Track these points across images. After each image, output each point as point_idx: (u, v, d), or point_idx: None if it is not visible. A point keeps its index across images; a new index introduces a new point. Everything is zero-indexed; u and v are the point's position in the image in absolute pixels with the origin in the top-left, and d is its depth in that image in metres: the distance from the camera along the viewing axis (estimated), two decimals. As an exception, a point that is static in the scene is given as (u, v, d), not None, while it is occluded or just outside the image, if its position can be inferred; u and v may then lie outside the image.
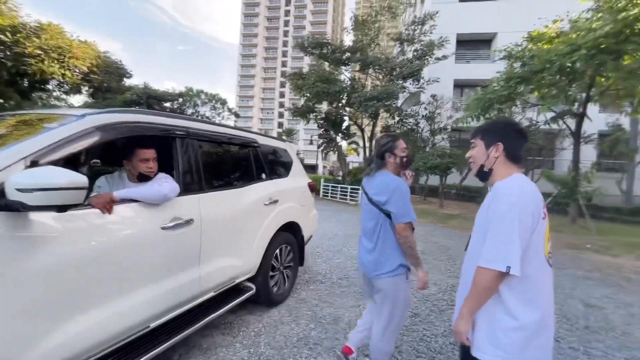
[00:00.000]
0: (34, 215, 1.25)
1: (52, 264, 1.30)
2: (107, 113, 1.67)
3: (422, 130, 17.12)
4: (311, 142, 31.27)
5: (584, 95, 8.76)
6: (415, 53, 16.21)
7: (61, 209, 1.22)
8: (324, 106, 19.80)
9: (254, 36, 79.61)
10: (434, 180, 15.00)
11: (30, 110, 2.10)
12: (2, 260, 1.16)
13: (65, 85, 10.42)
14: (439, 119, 16.40)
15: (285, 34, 77.27)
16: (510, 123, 1.35)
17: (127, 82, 15.89)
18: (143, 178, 1.93)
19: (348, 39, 19.03)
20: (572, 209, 9.68)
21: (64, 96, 13.34)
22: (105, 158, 2.62)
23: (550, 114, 10.08)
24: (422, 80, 16.07)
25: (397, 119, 17.23)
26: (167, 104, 23.64)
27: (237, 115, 27.97)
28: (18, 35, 8.15)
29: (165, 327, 1.91)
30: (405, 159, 1.88)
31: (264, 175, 2.94)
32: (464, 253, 1.36)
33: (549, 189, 10.43)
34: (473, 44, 20.04)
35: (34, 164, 1.28)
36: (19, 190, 1.11)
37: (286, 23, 77.86)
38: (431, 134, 16.56)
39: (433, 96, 16.39)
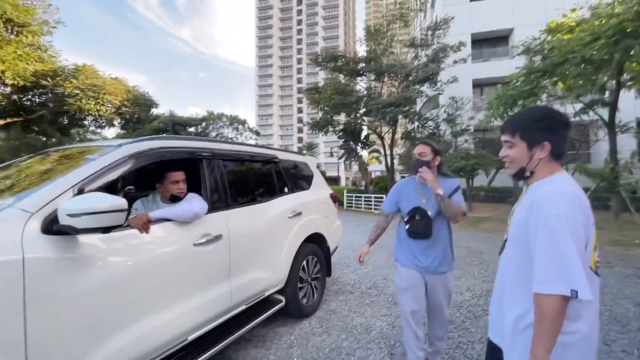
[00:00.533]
0: (81, 238, 1.39)
1: (97, 283, 1.42)
2: (140, 141, 1.82)
3: (443, 133, 16.83)
4: (331, 155, 31.45)
5: (614, 82, 8.31)
6: (428, 57, 16.13)
7: (106, 230, 1.35)
8: (342, 117, 20.00)
9: (269, 57, 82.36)
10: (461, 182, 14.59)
11: (71, 145, 2.32)
12: (55, 281, 1.28)
13: (99, 120, 11.28)
14: (459, 121, 16.07)
15: (299, 51, 79.35)
16: (554, 113, 1.11)
17: (155, 111, 16.88)
18: (174, 199, 2.06)
19: (362, 50, 19.23)
20: (614, 203, 9.05)
21: (98, 130, 14.50)
22: (141, 183, 2.82)
23: (578, 105, 9.61)
24: (439, 83, 15.92)
25: (416, 123, 17.07)
26: (192, 129, 24.76)
27: (257, 134, 28.79)
28: (57, 78, 8.98)
29: (201, 340, 1.99)
30: (413, 162, 2.08)
31: (286, 189, 3.03)
32: (498, 257, 1.24)
33: (586, 183, 9.84)
34: (489, 42, 19.67)
35: (80, 191, 1.43)
36: (69, 215, 1.24)
37: (299, 41, 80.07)
38: (453, 136, 16.22)
39: (452, 98, 16.13)
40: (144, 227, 1.64)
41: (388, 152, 17.93)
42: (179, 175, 2.08)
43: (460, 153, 12.92)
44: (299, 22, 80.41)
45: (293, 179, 3.21)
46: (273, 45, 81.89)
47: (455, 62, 15.40)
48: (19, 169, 1.94)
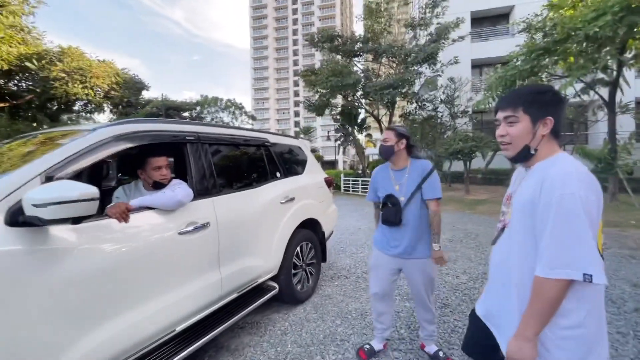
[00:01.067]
0: (53, 229, 1.29)
1: (72, 275, 1.33)
2: (117, 125, 1.70)
3: (441, 115, 16.62)
4: (328, 138, 31.19)
5: (615, 61, 8.11)
6: (429, 37, 15.69)
7: (76, 221, 1.24)
8: (339, 100, 19.66)
9: (263, 38, 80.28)
10: (457, 166, 14.50)
11: (44, 130, 2.18)
12: (20, 275, 1.19)
13: (89, 105, 10.98)
14: (458, 102, 15.83)
15: (295, 32, 77.30)
16: (555, 90, 1.07)
17: (146, 95, 16.50)
18: (158, 186, 1.96)
19: (359, 29, 18.73)
20: (611, 183, 9.04)
21: (89, 115, 14.12)
22: (126, 169, 2.70)
23: (579, 85, 9.42)
24: (438, 64, 15.57)
25: (414, 105, 16.80)
26: (186, 114, 24.34)
27: (254, 118, 28.41)
28: (43, 61, 8.65)
29: (192, 329, 1.94)
30: (379, 148, 2.11)
31: (278, 174, 2.93)
32: (491, 247, 1.19)
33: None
34: (489, 20, 19.14)
35: (49, 179, 1.32)
36: (34, 205, 1.14)
37: (294, 22, 77.85)
38: (451, 118, 16.02)
39: (451, 79, 15.82)
40: (123, 216, 1.54)
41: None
42: (162, 161, 1.96)
43: (458, 135, 12.78)
44: (294, 1, 77.91)
45: (285, 163, 3.10)
46: (268, 25, 79.66)
47: (453, 40, 14.98)
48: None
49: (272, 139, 3.01)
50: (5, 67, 8.41)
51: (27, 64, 8.38)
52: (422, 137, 17.28)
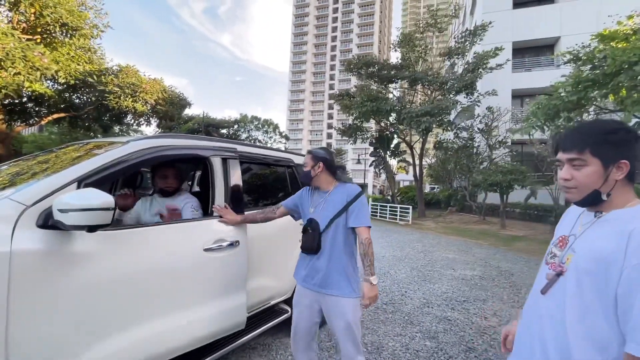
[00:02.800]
0: (79, 235, 1.35)
1: (92, 280, 1.37)
2: (148, 139, 1.80)
3: (478, 144, 16.07)
4: (359, 162, 31.15)
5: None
6: (466, 66, 15.52)
7: (91, 229, 1.26)
8: (372, 125, 19.73)
9: (302, 62, 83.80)
10: (492, 198, 13.77)
11: (85, 141, 2.35)
12: (44, 275, 1.25)
13: (137, 118, 11.96)
14: (496, 133, 15.26)
15: (333, 57, 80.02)
16: (626, 126, 0.94)
17: (189, 112, 17.63)
18: (164, 192, 2.10)
19: (395, 57, 18.97)
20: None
21: (137, 128, 15.32)
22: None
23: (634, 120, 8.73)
24: (476, 94, 15.26)
25: (449, 133, 16.44)
26: (224, 130, 25.57)
27: (287, 138, 29.18)
28: (102, 77, 9.63)
29: (203, 346, 1.92)
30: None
31: (300, 195, 2.93)
32: (531, 280, 1.02)
33: None
34: (532, 51, 18.62)
35: (81, 186, 1.40)
36: (59, 210, 1.20)
37: (333, 48, 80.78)
38: (489, 148, 15.42)
39: (489, 108, 15.38)
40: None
41: (417, 162, 17.40)
42: (168, 171, 2.10)
43: (498, 167, 12.21)
44: (334, 29, 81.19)
45: (309, 184, 3.10)
46: (307, 51, 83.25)
47: (491, 69, 14.65)
48: (30, 163, 1.98)
49: (297, 159, 3.03)
50: (72, 82, 9.44)
51: (89, 78, 9.36)
52: (456, 166, 16.74)
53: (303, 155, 3.28)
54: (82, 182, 1.41)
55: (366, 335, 2.92)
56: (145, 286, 1.57)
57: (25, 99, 10.01)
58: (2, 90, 6.63)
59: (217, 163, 2.12)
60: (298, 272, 1.89)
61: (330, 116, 77.85)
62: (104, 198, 1.25)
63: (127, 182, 2.82)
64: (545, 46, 18.35)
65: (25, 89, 7.01)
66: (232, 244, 1.97)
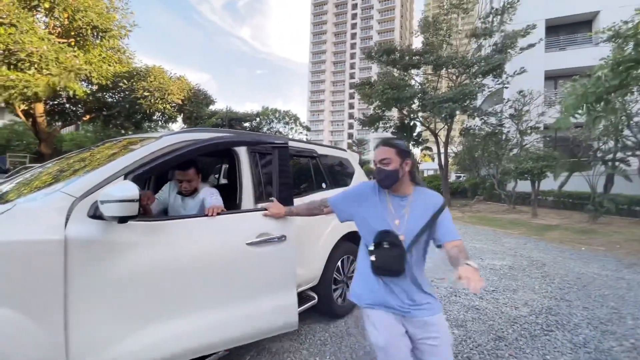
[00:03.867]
0: (125, 225, 1.39)
1: (135, 269, 1.44)
2: (179, 133, 1.89)
3: (507, 131, 15.34)
4: (381, 151, 30.69)
5: None
6: (494, 47, 14.73)
7: (121, 220, 1.31)
8: (394, 113, 19.32)
9: (322, 52, 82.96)
10: (523, 186, 13.17)
11: (120, 137, 2.50)
12: (97, 264, 1.36)
13: (165, 116, 12.45)
14: (527, 117, 14.48)
15: (353, 46, 78.57)
16: None
17: (213, 107, 18.09)
18: (182, 193, 2.19)
19: (417, 42, 18.29)
20: None
21: (165, 125, 16.05)
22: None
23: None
24: (504, 75, 14.48)
25: (476, 119, 15.79)
26: (246, 124, 26.00)
27: (308, 129, 29.22)
28: (131, 80, 10.09)
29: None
30: (375, 173, 1.56)
31: (324, 185, 2.97)
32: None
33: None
34: (568, 28, 17.36)
35: (126, 179, 1.49)
36: (101, 202, 1.28)
37: (353, 36, 79.23)
38: (519, 134, 14.69)
39: (520, 92, 14.59)
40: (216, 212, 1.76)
41: (442, 150, 16.91)
42: (184, 175, 2.10)
43: (529, 154, 11.63)
44: (354, 16, 79.46)
45: (332, 174, 3.13)
46: (327, 40, 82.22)
47: (522, 49, 13.83)
48: (75, 160, 2.13)
49: (320, 150, 3.06)
50: (104, 83, 9.92)
51: (120, 83, 9.86)
52: (483, 153, 16.12)
53: (326, 146, 3.31)
54: (128, 175, 1.49)
55: (392, 323, 2.94)
56: (185, 279, 1.58)
57: (64, 101, 10.67)
58: (34, 89, 7.04)
59: (247, 156, 2.20)
60: (366, 295, 1.51)
61: (351, 106, 76.92)
62: (130, 190, 1.28)
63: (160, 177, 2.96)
64: (582, 22, 17.05)
65: (61, 90, 7.48)
66: (279, 239, 1.90)
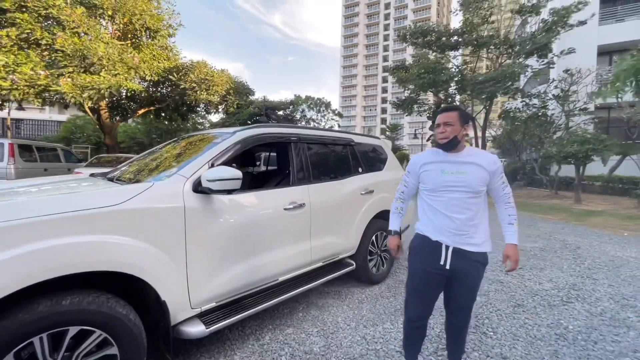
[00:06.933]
0: (214, 197, 2.01)
1: (223, 228, 2.05)
2: (249, 129, 2.42)
3: (552, 113, 14.51)
4: (415, 136, 30.16)
5: None
6: (542, 24, 13.76)
7: (229, 192, 1.96)
8: (429, 97, 18.89)
9: (354, 36, 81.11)
10: (568, 170, 12.55)
11: (195, 133, 3.09)
12: (201, 222, 1.94)
13: (208, 107, 13.40)
14: (575, 98, 13.59)
15: (386, 27, 75.90)
16: None
17: (251, 97, 18.93)
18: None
19: (456, 22, 17.58)
20: None
21: (207, 115, 17.21)
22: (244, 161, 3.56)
23: None
24: (550, 55, 13.56)
25: (519, 100, 15.05)
26: (280, 112, 26.78)
27: (340, 116, 29.36)
28: (180, 74, 10.99)
29: (291, 282, 2.58)
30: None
31: (360, 169, 3.40)
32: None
33: None
34: (627, -4, 15.75)
35: (212, 165, 2.06)
36: (208, 180, 1.86)
37: (386, 16, 76.37)
38: (565, 116, 13.85)
39: (566, 71, 13.66)
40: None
41: (480, 134, 16.42)
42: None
43: (573, 136, 11.08)
44: (388, -5, 76.36)
45: (367, 160, 3.55)
46: (359, 23, 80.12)
47: (571, 26, 12.86)
48: (168, 151, 2.75)
49: (357, 139, 3.49)
50: (156, 79, 10.92)
51: (170, 76, 10.78)
52: (524, 136, 15.45)
53: (363, 135, 3.71)
54: (214, 162, 2.07)
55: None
56: (253, 231, 2.24)
57: (123, 97, 11.91)
58: (108, 90, 8.11)
59: (297, 146, 2.73)
60: None
61: (384, 90, 75.07)
62: (235, 172, 1.90)
63: (237, 161, 3.59)
64: (646, -12, 15.37)
65: (123, 87, 8.47)
66: (301, 205, 2.56)
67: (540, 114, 14.45)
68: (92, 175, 2.91)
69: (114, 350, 1.55)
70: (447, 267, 1.73)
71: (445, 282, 1.80)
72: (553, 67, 14.07)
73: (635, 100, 10.75)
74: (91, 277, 1.54)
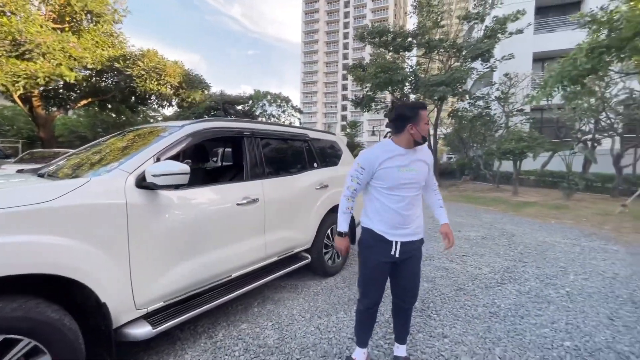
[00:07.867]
0: (160, 192, 1.93)
1: (170, 224, 1.98)
2: (197, 123, 2.35)
3: (494, 113, 15.84)
4: (373, 133, 31.13)
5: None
6: (484, 31, 14.95)
7: (176, 188, 1.89)
8: (386, 95, 19.57)
9: (314, 32, 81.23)
10: (508, 166, 13.82)
11: (144, 125, 2.93)
12: (145, 219, 1.85)
13: (159, 100, 12.63)
14: (513, 100, 14.97)
15: (346, 25, 77.05)
16: None
17: (207, 92, 18.16)
18: None
19: (410, 23, 18.36)
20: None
21: (159, 109, 16.15)
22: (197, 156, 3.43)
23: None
24: (492, 59, 14.81)
25: (465, 102, 16.21)
26: (239, 107, 26.02)
27: (300, 112, 29.27)
28: (127, 62, 10.22)
29: (244, 278, 2.57)
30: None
31: (315, 165, 3.46)
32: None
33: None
34: (558, 9, 17.60)
35: (158, 159, 1.98)
36: (153, 175, 1.78)
37: (346, 15, 77.51)
38: (505, 116, 15.20)
39: (506, 75, 14.99)
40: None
41: (432, 132, 17.39)
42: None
43: (511, 135, 12.19)
44: (347, -6, 77.40)
45: (322, 155, 3.62)
46: (319, 19, 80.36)
47: (510, 34, 14.12)
48: (111, 144, 2.58)
49: (311, 134, 3.54)
50: (99, 68, 10.07)
51: (116, 64, 9.98)
52: (471, 134, 16.65)
53: (317, 131, 3.77)
54: (159, 157, 1.98)
55: (373, 280, 3.52)
56: (202, 228, 2.18)
57: (60, 86, 10.79)
58: (45, 79, 7.31)
59: (250, 141, 2.69)
60: None
61: (344, 87, 76.29)
62: (181, 166, 1.83)
63: (188, 156, 3.44)
64: (572, 3, 17.29)
65: (64, 76, 7.68)
66: (254, 200, 2.55)
67: (484, 113, 15.69)
68: (19, 171, 2.63)
69: (46, 358, 1.44)
70: (397, 255, 1.86)
71: (392, 267, 1.92)
72: (495, 71, 15.33)
73: (562, 103, 12.11)
74: (18, 280, 1.41)
